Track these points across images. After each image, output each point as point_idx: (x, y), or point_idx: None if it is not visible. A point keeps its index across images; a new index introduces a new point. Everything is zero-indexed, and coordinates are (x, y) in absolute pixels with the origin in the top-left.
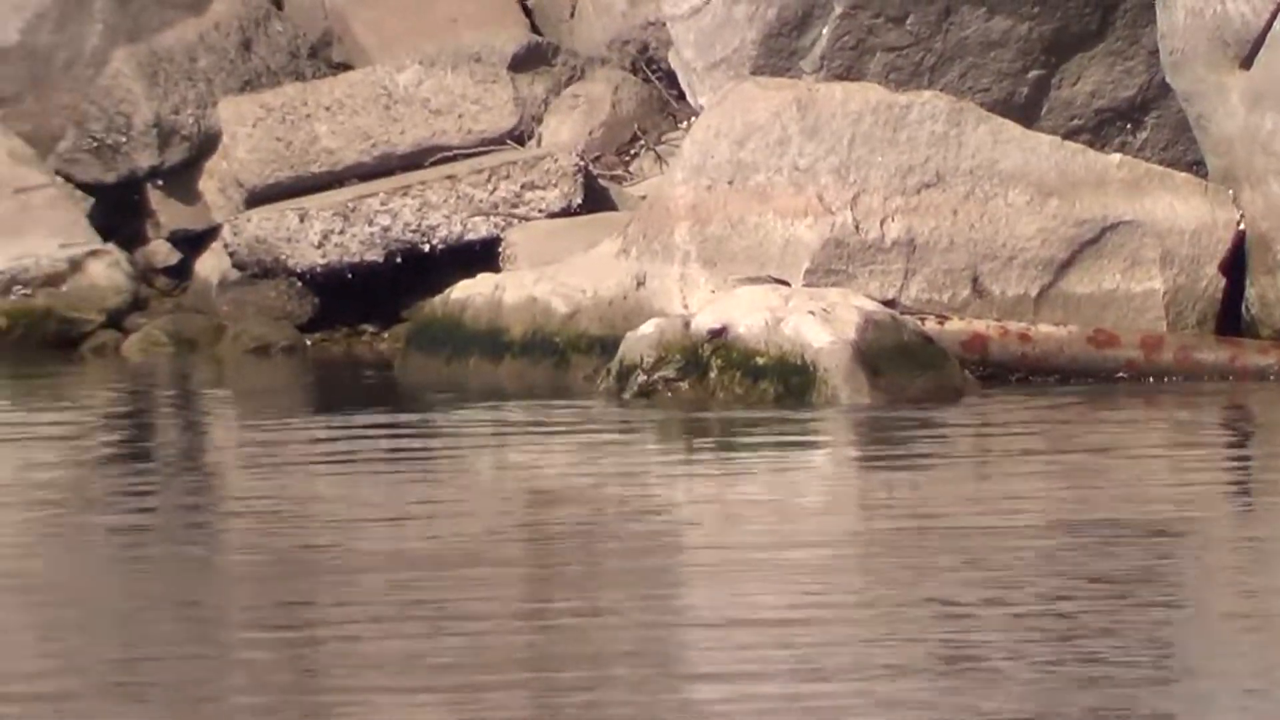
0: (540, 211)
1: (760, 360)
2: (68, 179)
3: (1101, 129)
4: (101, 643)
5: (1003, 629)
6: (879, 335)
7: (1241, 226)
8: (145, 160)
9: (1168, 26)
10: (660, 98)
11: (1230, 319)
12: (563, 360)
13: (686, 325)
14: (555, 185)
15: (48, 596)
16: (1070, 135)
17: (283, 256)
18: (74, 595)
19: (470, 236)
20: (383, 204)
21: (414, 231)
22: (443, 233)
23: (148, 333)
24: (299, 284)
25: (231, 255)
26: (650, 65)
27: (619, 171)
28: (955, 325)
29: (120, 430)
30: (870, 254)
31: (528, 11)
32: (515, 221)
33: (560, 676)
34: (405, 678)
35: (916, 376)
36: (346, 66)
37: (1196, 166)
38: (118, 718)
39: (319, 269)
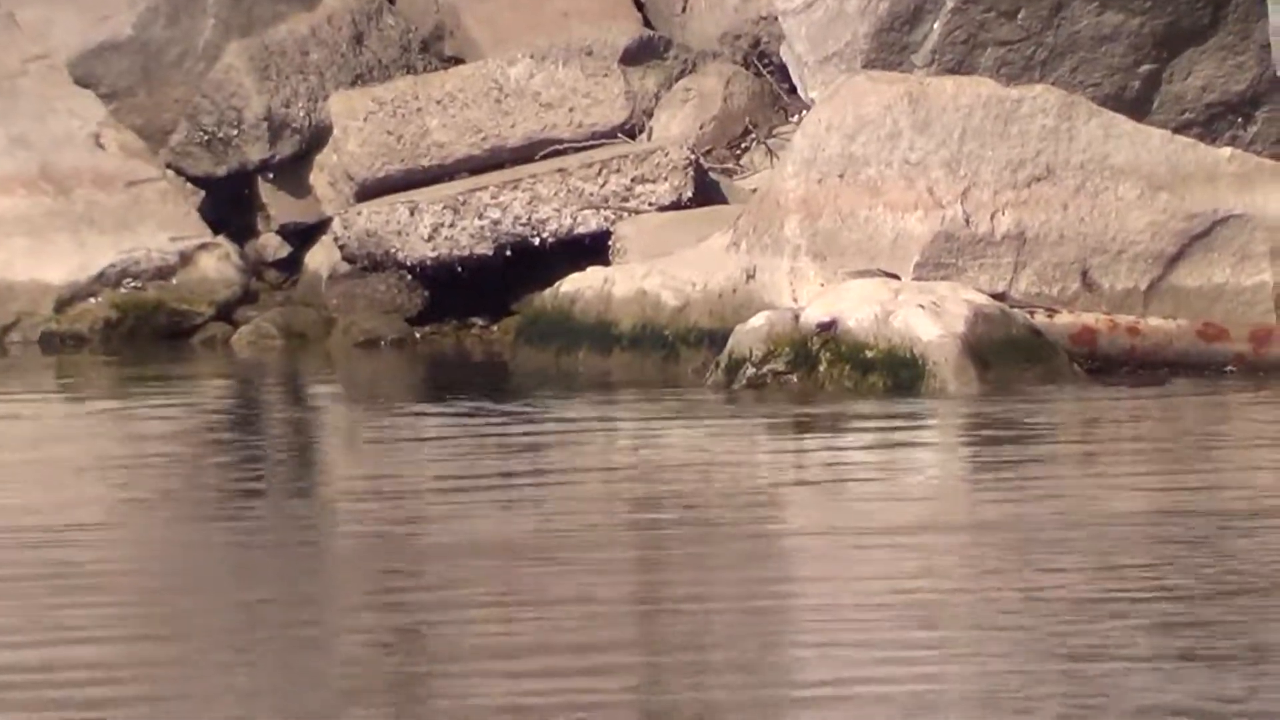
0: (650, 205)
1: (869, 353)
2: (179, 172)
3: (1212, 123)
4: (211, 628)
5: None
6: (988, 329)
7: None
8: (256, 154)
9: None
10: (771, 91)
11: None
12: (672, 353)
13: (796, 318)
14: (666, 179)
15: (164, 584)
16: (1181, 129)
17: (393, 250)
18: (186, 584)
19: (580, 230)
20: (493, 197)
21: (524, 225)
22: (553, 226)
23: (257, 325)
24: (409, 277)
25: (341, 248)
26: (762, 59)
27: (730, 165)
28: (1064, 318)
29: (231, 421)
30: (980, 247)
31: (640, 5)
32: (625, 215)
33: (666, 659)
34: (510, 661)
35: (1025, 370)
36: (458, 60)
37: None
38: (223, 701)
39: (429, 262)
